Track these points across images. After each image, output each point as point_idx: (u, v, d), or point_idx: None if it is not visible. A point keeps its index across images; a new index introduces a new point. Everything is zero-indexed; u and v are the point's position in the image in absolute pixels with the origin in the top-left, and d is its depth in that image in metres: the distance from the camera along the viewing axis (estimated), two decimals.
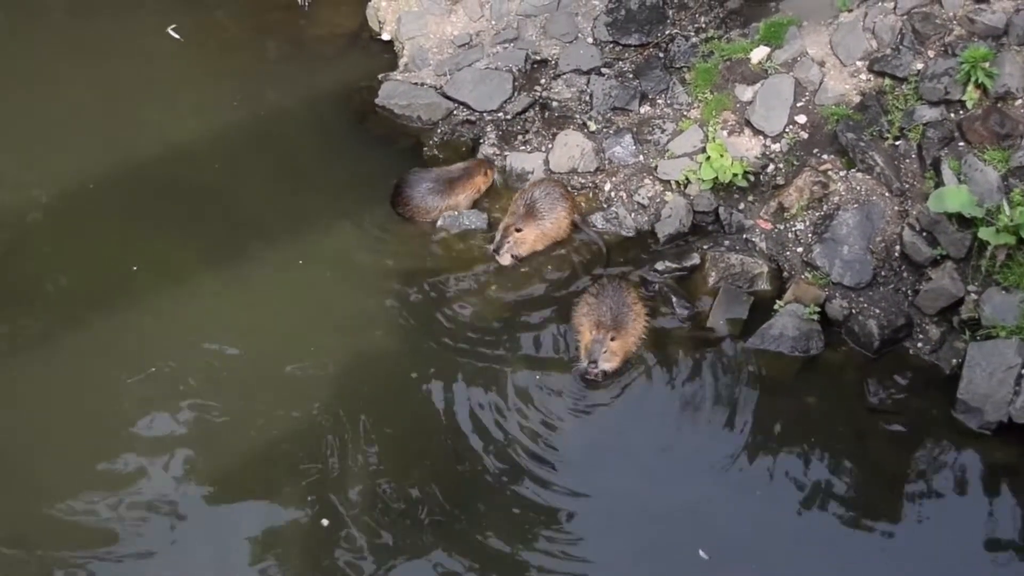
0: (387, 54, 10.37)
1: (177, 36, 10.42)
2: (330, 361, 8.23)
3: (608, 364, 7.99)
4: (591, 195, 9.19)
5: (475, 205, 9.20)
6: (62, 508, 7.51)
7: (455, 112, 9.77)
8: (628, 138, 9.26)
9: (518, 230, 8.71)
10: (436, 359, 8.29)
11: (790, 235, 8.73)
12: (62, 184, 9.33)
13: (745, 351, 8.27)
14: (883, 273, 8.45)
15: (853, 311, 8.31)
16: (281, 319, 8.51)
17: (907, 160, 8.63)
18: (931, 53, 8.80)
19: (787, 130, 9.00)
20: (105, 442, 7.82)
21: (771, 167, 8.93)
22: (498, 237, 8.71)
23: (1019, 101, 8.40)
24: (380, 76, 10.11)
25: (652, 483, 7.61)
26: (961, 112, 8.52)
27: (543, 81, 9.77)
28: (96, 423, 7.92)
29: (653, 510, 7.47)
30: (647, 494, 7.55)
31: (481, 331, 8.45)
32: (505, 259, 8.74)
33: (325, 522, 7.41)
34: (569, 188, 9.07)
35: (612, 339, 7.97)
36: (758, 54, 9.28)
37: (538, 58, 9.88)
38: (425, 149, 9.64)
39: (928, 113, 8.62)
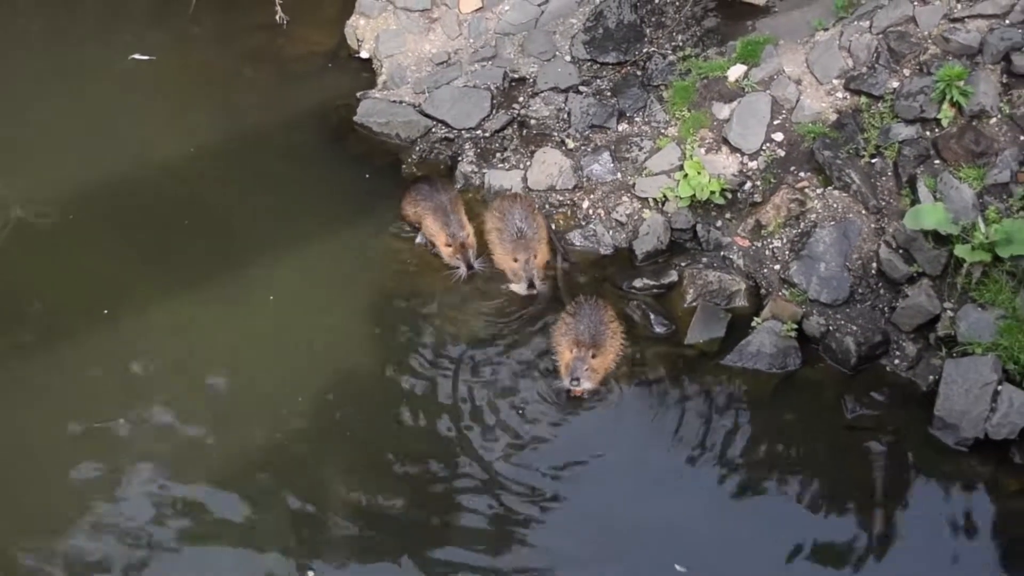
0: (365, 72, 10.34)
1: (143, 57, 10.39)
2: (309, 386, 8.19)
3: (589, 382, 7.97)
4: (569, 212, 9.16)
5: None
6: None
7: (433, 130, 9.74)
8: (606, 156, 9.24)
9: (535, 257, 8.67)
10: (415, 377, 8.28)
11: (767, 252, 8.73)
12: (37, 208, 9.29)
13: (723, 368, 8.25)
14: (860, 290, 8.43)
15: (830, 328, 8.29)
16: (258, 343, 8.45)
17: (883, 178, 8.63)
18: (906, 71, 8.83)
19: (764, 148, 9.00)
20: (78, 471, 7.77)
21: (748, 184, 8.92)
22: (524, 276, 8.57)
23: (993, 119, 8.44)
24: (358, 94, 10.08)
25: (630, 499, 7.60)
26: (936, 130, 8.55)
27: (521, 99, 9.76)
28: (65, 452, 7.87)
29: (631, 525, 7.46)
30: (625, 510, 7.55)
31: (461, 349, 8.44)
32: (541, 287, 8.67)
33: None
34: (529, 200, 9.04)
35: (593, 356, 7.95)
36: (735, 72, 9.29)
37: (516, 76, 9.87)
38: (404, 167, 9.60)
39: (904, 131, 8.63)
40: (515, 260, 8.65)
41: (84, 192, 9.27)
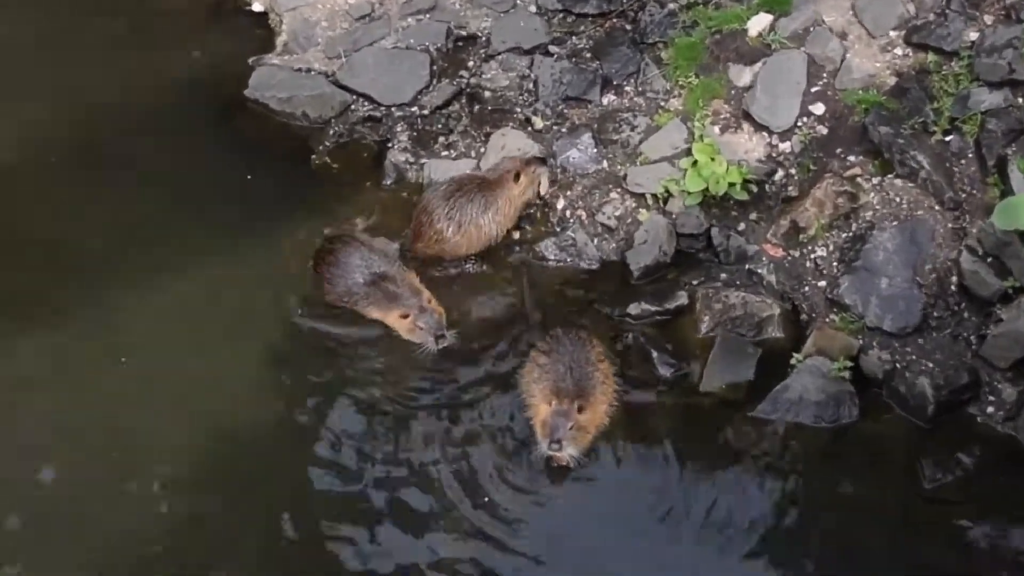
0: (260, 29, 9.46)
1: None
2: (191, 447, 7.27)
3: (575, 445, 7.02)
4: (539, 215, 8.33)
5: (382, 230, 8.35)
6: None
7: (353, 106, 8.86)
8: (586, 138, 8.41)
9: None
10: (331, 437, 7.34)
11: (808, 264, 7.93)
12: None
13: (752, 422, 7.40)
14: (936, 313, 7.62)
15: (898, 365, 7.47)
16: (124, 396, 7.49)
17: (962, 161, 7.85)
18: (988, 19, 8.12)
19: (800, 124, 8.23)
20: None
21: (780, 173, 8.16)
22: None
23: None
24: (251, 60, 9.19)
25: None
26: None
27: (471, 64, 8.95)
28: None
29: None
30: None
31: (387, 399, 7.54)
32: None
33: None
34: None
35: (579, 410, 7.03)
36: (758, 24, 8.51)
37: (464, 33, 9.09)
38: (314, 156, 8.67)
39: (988, 98, 7.85)
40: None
41: None
